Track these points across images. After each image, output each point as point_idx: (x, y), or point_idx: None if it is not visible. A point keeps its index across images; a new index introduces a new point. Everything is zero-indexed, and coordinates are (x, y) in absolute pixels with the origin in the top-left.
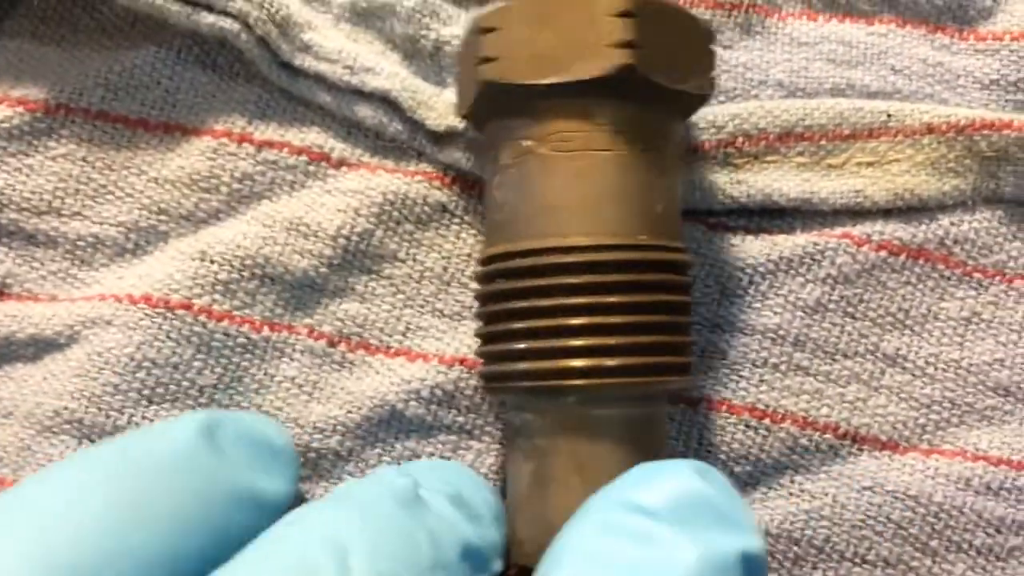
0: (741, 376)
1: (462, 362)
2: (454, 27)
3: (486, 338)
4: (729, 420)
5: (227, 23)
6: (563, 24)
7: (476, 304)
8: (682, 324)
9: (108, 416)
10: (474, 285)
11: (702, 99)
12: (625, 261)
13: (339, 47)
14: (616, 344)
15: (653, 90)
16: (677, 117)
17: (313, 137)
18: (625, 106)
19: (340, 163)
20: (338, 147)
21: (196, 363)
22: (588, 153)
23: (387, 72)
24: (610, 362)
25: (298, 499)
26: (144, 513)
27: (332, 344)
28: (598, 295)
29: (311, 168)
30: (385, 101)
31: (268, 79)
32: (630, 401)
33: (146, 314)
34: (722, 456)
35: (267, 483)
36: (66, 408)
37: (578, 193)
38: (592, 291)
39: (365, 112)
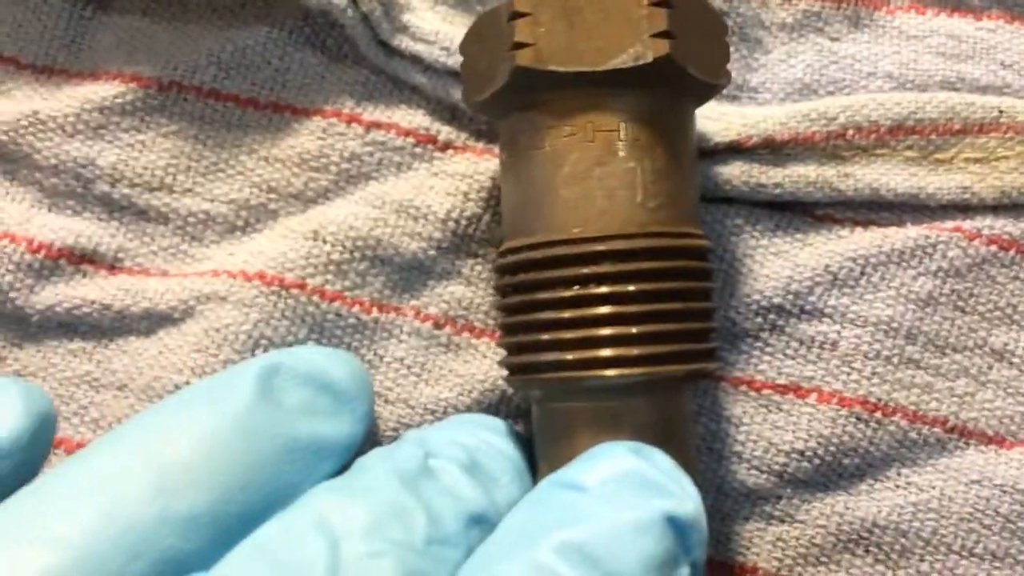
0: (853, 368)
1: None
2: None
3: (508, 331)
4: (840, 413)
5: None
6: (600, 12)
7: (498, 296)
8: (705, 310)
9: None
10: (483, 282)
11: (717, 89)
12: (653, 248)
13: (436, 28)
14: (639, 333)
15: (683, 80)
16: (693, 106)
17: (420, 120)
18: (652, 95)
19: (446, 146)
20: (444, 130)
21: (309, 342)
22: (613, 143)
23: None
24: (634, 351)
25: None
26: (194, 475)
27: (439, 326)
28: (619, 284)
29: (418, 150)
30: None
31: (371, 61)
32: (655, 388)
33: (261, 292)
34: (832, 448)
35: (328, 427)
36: (187, 383)
37: (605, 183)
38: (612, 281)
39: (460, 94)
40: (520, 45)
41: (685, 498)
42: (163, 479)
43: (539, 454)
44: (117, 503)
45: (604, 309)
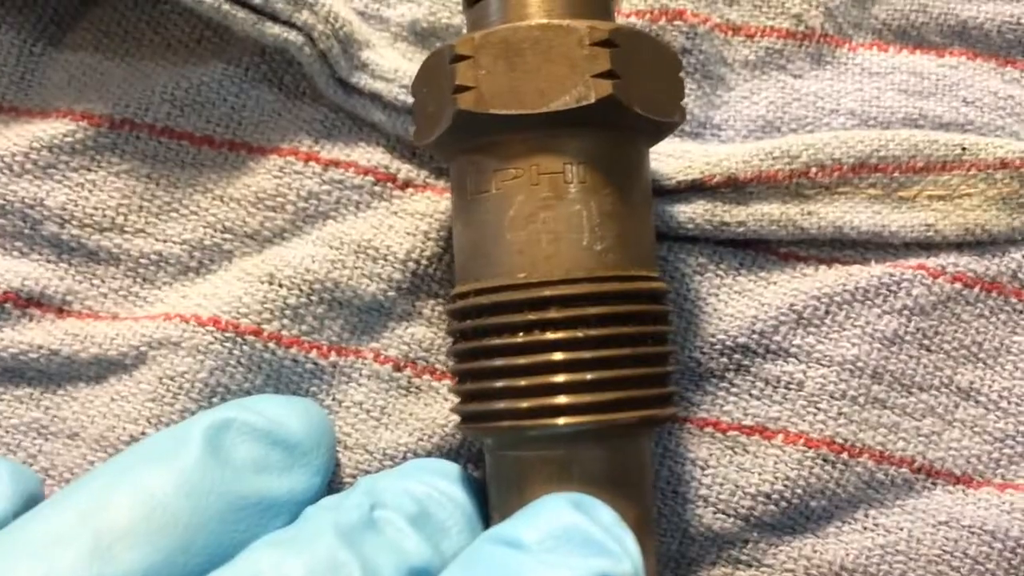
0: (819, 409)
1: None
2: None
3: (461, 379)
4: (807, 454)
5: (292, 35)
6: (542, 54)
7: (449, 342)
8: (661, 355)
9: None
10: (444, 323)
11: (672, 127)
12: (599, 293)
13: (395, 66)
14: (595, 379)
15: (630, 120)
16: (646, 145)
17: (379, 157)
18: (598, 136)
19: (406, 184)
20: (404, 168)
21: (267, 390)
22: (561, 185)
23: None
24: (588, 398)
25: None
26: (132, 538)
27: (399, 368)
28: (571, 329)
29: (377, 189)
30: None
31: (328, 98)
32: (610, 437)
33: (216, 338)
34: (799, 490)
35: (280, 483)
36: (143, 434)
37: (550, 226)
38: (565, 326)
39: None
40: (461, 88)
41: (623, 557)
42: (99, 543)
43: (491, 503)
44: (53, 569)
45: (552, 356)
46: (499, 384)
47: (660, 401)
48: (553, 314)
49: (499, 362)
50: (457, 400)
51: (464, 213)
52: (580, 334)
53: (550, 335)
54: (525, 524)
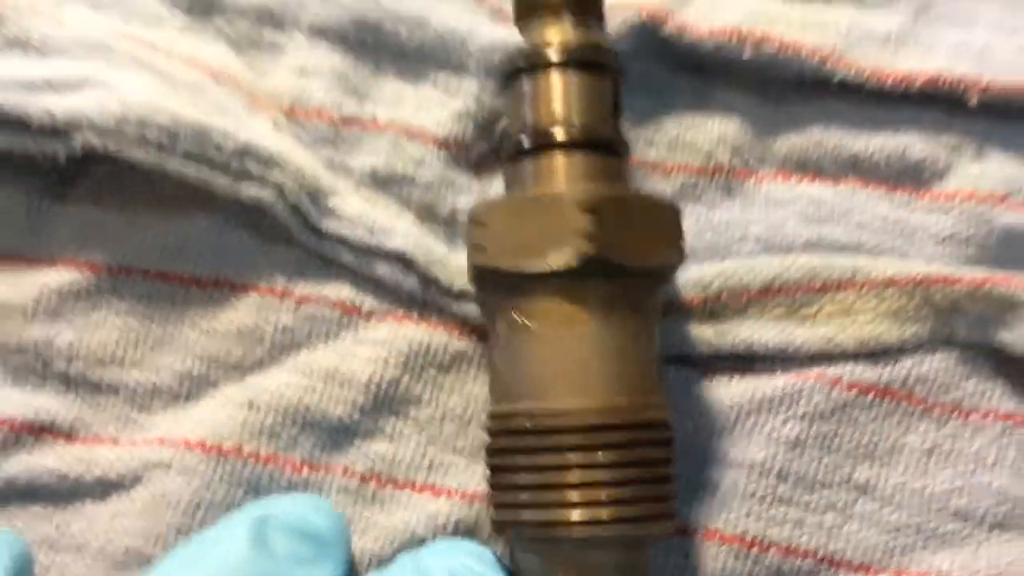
0: (731, 508)
1: (482, 498)
2: (467, 196)
3: (494, 486)
4: (721, 549)
5: (266, 192)
6: (538, 218)
7: (486, 453)
8: (666, 476)
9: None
10: (485, 437)
11: (672, 269)
12: (611, 424)
13: (359, 211)
14: (607, 498)
15: (623, 270)
16: (650, 287)
17: (346, 292)
18: (599, 284)
19: (370, 315)
20: (367, 300)
21: (246, 502)
22: (572, 326)
23: (403, 233)
24: (602, 513)
25: None
26: None
27: (364, 481)
28: (589, 453)
29: (344, 320)
30: (401, 260)
31: (300, 242)
32: (621, 546)
33: (202, 459)
34: None
35: (316, 573)
36: (137, 547)
37: (566, 361)
38: (583, 450)
39: (384, 270)
40: (478, 248)
41: None
42: None
43: None
44: None
45: (569, 476)
46: (524, 496)
47: (664, 517)
48: (575, 439)
49: (525, 477)
50: (490, 497)
51: (495, 347)
52: (600, 457)
53: (570, 456)
54: None
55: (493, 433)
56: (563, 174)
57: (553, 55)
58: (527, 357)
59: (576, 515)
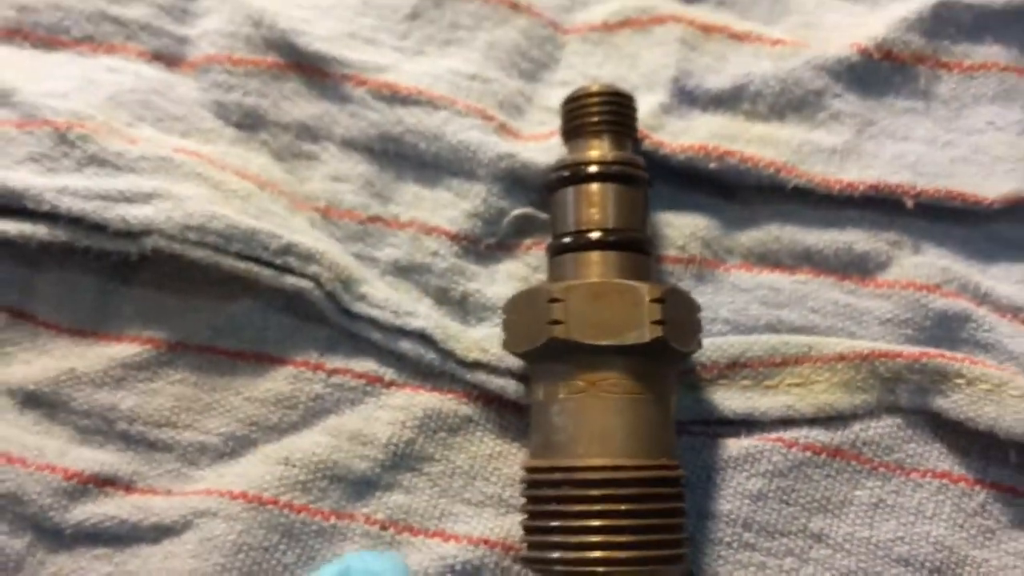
0: (704, 552)
1: (485, 542)
2: (476, 282)
3: (528, 528)
4: None
5: (304, 283)
6: (615, 303)
7: (524, 499)
8: (677, 525)
9: None
10: (522, 487)
11: (692, 353)
12: (638, 479)
13: (385, 296)
14: (626, 541)
15: (669, 351)
16: (675, 368)
17: (371, 365)
18: (647, 363)
19: (390, 384)
20: (388, 372)
21: (281, 545)
22: (623, 396)
23: (423, 314)
24: (621, 554)
25: None
26: None
27: (384, 528)
28: (615, 503)
29: (368, 388)
30: (422, 337)
31: (333, 322)
32: None
33: (244, 507)
34: None
35: None
36: None
37: (613, 425)
38: (607, 501)
39: (407, 346)
40: (556, 322)
41: None
42: None
43: None
44: None
45: (593, 522)
46: (554, 537)
47: (676, 559)
48: (600, 491)
49: (556, 521)
50: (524, 535)
51: (541, 409)
52: (623, 507)
53: (595, 507)
54: None
55: (531, 484)
56: (603, 269)
57: (593, 168)
58: (585, 419)
59: (598, 554)
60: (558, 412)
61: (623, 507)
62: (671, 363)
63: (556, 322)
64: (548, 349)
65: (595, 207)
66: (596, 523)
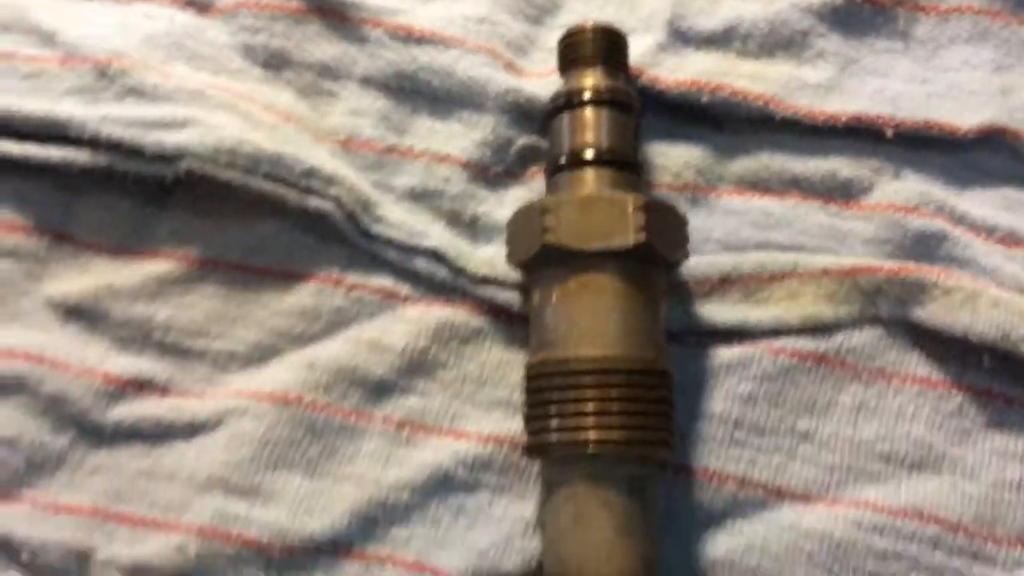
0: (698, 449)
1: (495, 439)
2: (486, 206)
3: (530, 417)
4: (687, 481)
5: (327, 204)
6: (602, 211)
7: (524, 394)
8: (666, 412)
9: (244, 478)
10: (499, 394)
11: (680, 262)
12: (627, 369)
13: (401, 218)
14: (617, 424)
15: (654, 256)
16: (664, 272)
17: (387, 282)
18: (635, 267)
19: (406, 299)
20: (404, 288)
21: (305, 441)
22: (608, 295)
23: (436, 235)
24: (614, 434)
25: None
26: None
27: (400, 427)
28: (606, 389)
29: (385, 303)
30: (435, 255)
31: (353, 242)
32: (629, 462)
33: (270, 406)
34: (688, 504)
35: None
36: (217, 473)
37: (603, 322)
38: (603, 387)
39: (421, 263)
40: (546, 230)
41: None
42: None
43: (550, 512)
44: None
45: (589, 407)
46: (554, 423)
47: (663, 443)
48: (595, 379)
49: (555, 408)
50: (526, 426)
51: (540, 310)
52: (614, 393)
53: (588, 392)
54: None
55: (531, 376)
56: (594, 184)
57: (587, 95)
58: (575, 316)
59: (593, 435)
60: (552, 313)
61: (614, 393)
62: (658, 270)
63: (548, 230)
64: (542, 256)
65: (588, 130)
66: (589, 408)
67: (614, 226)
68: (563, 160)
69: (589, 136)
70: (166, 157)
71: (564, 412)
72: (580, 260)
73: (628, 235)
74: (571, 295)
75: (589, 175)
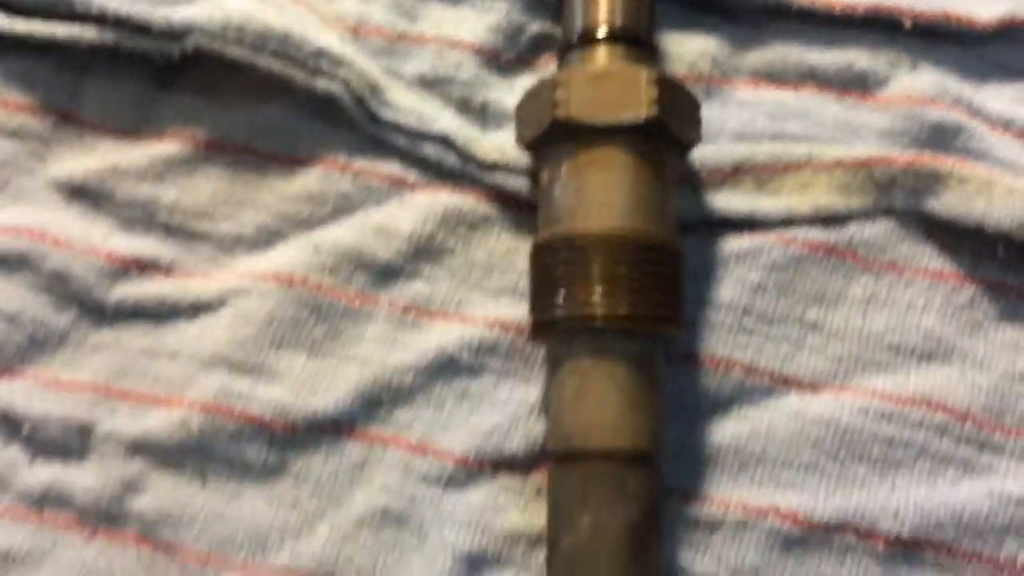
0: (706, 336)
1: (500, 325)
2: (497, 92)
3: (537, 294)
4: (698, 365)
5: (335, 86)
6: (614, 85)
7: (531, 272)
8: (674, 288)
9: (248, 356)
10: (505, 280)
11: (692, 144)
12: (635, 242)
13: (409, 104)
14: (625, 299)
15: (666, 134)
16: (676, 154)
17: (394, 168)
18: (646, 143)
19: (413, 186)
20: (412, 174)
21: (310, 321)
22: (618, 170)
23: (446, 120)
24: (620, 308)
25: None
26: None
27: (405, 312)
28: (614, 263)
29: (392, 189)
30: (444, 140)
31: (360, 127)
32: (639, 339)
33: (275, 286)
34: (696, 391)
35: None
36: (221, 351)
37: (612, 195)
38: (610, 260)
39: (429, 149)
40: (557, 104)
41: None
42: None
43: (554, 386)
44: None
45: (597, 281)
46: (560, 299)
47: (670, 320)
48: (595, 253)
49: (562, 283)
50: (532, 304)
51: (556, 184)
52: (621, 268)
53: (595, 267)
54: None
55: (538, 253)
56: (607, 61)
57: None
58: (584, 192)
59: (600, 309)
60: (561, 188)
61: (621, 268)
62: (671, 151)
63: (558, 104)
64: (552, 132)
65: (602, 7)
66: (596, 281)
67: (626, 100)
68: (575, 38)
69: (603, 13)
70: (174, 33)
71: (571, 286)
72: (591, 135)
73: (641, 109)
74: (580, 170)
75: (602, 52)
